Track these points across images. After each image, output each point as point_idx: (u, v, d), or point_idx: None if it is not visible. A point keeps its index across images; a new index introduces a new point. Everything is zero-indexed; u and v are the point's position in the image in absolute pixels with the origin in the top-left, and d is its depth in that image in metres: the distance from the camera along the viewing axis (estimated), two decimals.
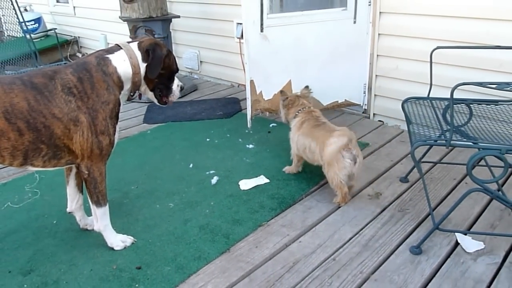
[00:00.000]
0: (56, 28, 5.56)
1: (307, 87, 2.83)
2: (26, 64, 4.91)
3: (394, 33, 3.29)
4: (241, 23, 3.99)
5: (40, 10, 6.65)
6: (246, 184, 2.64)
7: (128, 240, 2.14)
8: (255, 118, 3.40)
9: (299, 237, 2.16)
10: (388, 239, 2.11)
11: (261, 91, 3.23)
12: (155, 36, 4.16)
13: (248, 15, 3.00)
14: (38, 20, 6.32)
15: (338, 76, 3.48)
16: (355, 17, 3.36)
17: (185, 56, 5.11)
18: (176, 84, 2.17)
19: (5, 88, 1.73)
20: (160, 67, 2.01)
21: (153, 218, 2.35)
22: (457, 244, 2.06)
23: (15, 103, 1.73)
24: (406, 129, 2.32)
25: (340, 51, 3.42)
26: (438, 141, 1.98)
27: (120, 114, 1.99)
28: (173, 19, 4.40)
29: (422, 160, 2.57)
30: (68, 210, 2.24)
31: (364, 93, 3.62)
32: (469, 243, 2.05)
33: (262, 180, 2.69)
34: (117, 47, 1.98)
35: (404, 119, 2.29)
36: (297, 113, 2.66)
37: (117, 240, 2.11)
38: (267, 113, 3.45)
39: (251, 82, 3.16)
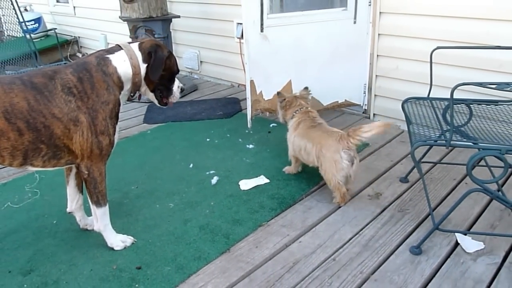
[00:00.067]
0: (56, 28, 5.56)
1: (306, 88, 2.82)
2: (26, 64, 4.91)
3: (394, 33, 3.29)
4: (241, 23, 3.99)
5: (40, 10, 6.65)
6: (246, 184, 2.64)
7: (128, 240, 2.14)
8: (255, 118, 3.40)
9: (299, 237, 2.16)
10: (388, 239, 2.11)
11: (261, 91, 3.23)
12: (155, 36, 4.16)
13: (248, 15, 3.00)
14: (38, 20, 6.32)
15: (338, 76, 3.48)
16: (355, 17, 3.36)
17: (185, 56, 5.11)
18: (176, 86, 2.17)
19: (5, 88, 1.73)
20: (162, 69, 2.02)
21: (153, 218, 2.35)
22: (457, 244, 2.06)
23: (15, 103, 1.73)
24: (406, 129, 2.32)
25: (340, 51, 3.42)
26: (438, 141, 1.98)
27: (120, 114, 1.99)
28: (173, 19, 4.40)
29: (422, 160, 2.57)
30: (68, 210, 2.24)
31: (364, 93, 3.62)
32: (469, 243, 2.05)
33: (262, 180, 2.69)
34: (118, 48, 1.98)
35: (404, 119, 2.29)
36: (294, 114, 2.66)
37: (117, 240, 2.11)
38: (267, 113, 3.46)
39: (251, 82, 3.16)
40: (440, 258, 1.97)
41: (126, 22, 4.28)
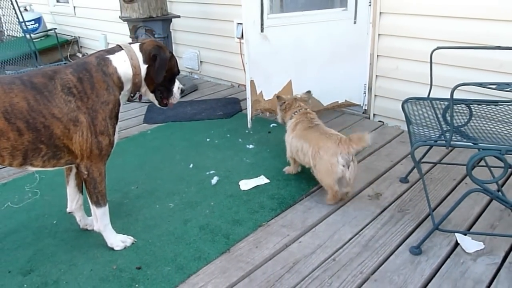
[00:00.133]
0: (56, 28, 5.56)
1: (309, 92, 2.82)
2: (26, 64, 4.91)
3: (394, 34, 3.29)
4: (241, 23, 4.00)
5: (40, 10, 6.65)
6: (246, 184, 2.64)
7: (128, 240, 2.14)
8: (255, 118, 3.40)
9: (299, 238, 2.16)
10: (388, 240, 2.11)
11: (261, 91, 3.23)
12: (155, 36, 4.16)
13: (248, 15, 3.00)
14: (38, 20, 6.32)
15: (338, 76, 3.48)
16: (355, 18, 3.36)
17: (185, 56, 5.11)
18: (177, 87, 2.17)
19: (5, 88, 1.73)
20: (165, 71, 2.02)
21: (153, 218, 2.35)
22: (457, 244, 2.06)
23: (15, 103, 1.73)
24: (406, 129, 2.32)
25: (340, 51, 3.42)
26: (438, 142, 1.98)
27: (120, 114, 1.99)
28: (173, 19, 4.40)
29: (422, 160, 2.57)
30: (68, 210, 2.24)
31: (364, 93, 3.62)
32: (469, 244, 2.05)
33: (262, 180, 2.69)
34: (118, 48, 1.98)
35: (404, 119, 2.29)
36: (292, 115, 2.66)
37: (117, 240, 2.11)
38: (267, 113, 3.46)
39: (251, 82, 3.16)
40: (440, 258, 1.97)
41: (126, 22, 4.29)
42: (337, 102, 3.59)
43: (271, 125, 3.53)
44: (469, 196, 1.99)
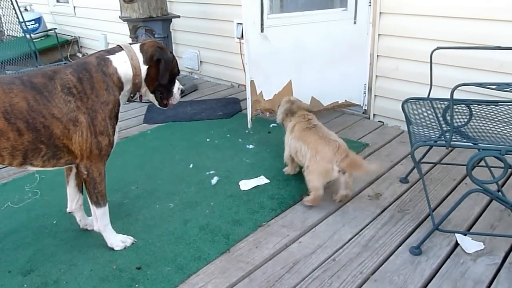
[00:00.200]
0: (56, 28, 5.56)
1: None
2: (26, 64, 4.91)
3: (394, 34, 3.29)
4: (241, 23, 4.00)
5: (40, 10, 6.65)
6: (246, 185, 2.64)
7: (128, 240, 2.14)
8: (255, 118, 3.40)
9: (299, 238, 2.16)
10: (388, 240, 2.11)
11: (261, 92, 3.23)
12: (155, 36, 4.16)
13: (248, 15, 3.00)
14: (38, 20, 6.32)
15: (338, 77, 3.48)
16: (355, 18, 3.36)
17: (185, 56, 5.11)
18: (177, 87, 2.17)
19: (5, 88, 1.73)
20: (169, 72, 2.03)
21: (153, 218, 2.35)
22: (457, 244, 2.06)
23: (15, 103, 1.73)
24: (406, 129, 2.32)
25: (340, 51, 3.42)
26: (438, 142, 1.98)
27: (120, 114, 1.99)
28: (173, 19, 4.40)
29: (422, 160, 2.57)
30: (68, 210, 2.24)
31: (364, 93, 3.62)
32: (469, 244, 2.05)
33: (262, 180, 2.69)
34: (119, 48, 1.98)
35: (404, 119, 2.29)
36: (291, 118, 2.66)
37: (117, 240, 2.11)
38: (267, 113, 3.46)
39: (251, 82, 3.16)
40: (440, 259, 1.97)
41: (126, 22, 4.28)
42: (337, 102, 3.59)
43: (271, 125, 3.53)
44: (469, 197, 1.99)
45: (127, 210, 2.44)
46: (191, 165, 2.93)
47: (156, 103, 2.17)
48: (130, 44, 2.03)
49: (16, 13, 4.88)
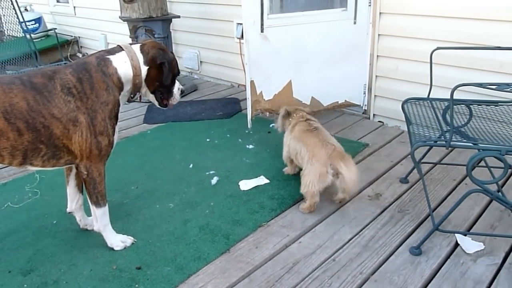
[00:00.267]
0: (56, 28, 5.57)
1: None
2: (26, 64, 4.91)
3: (394, 34, 3.29)
4: (241, 23, 3.99)
5: (40, 10, 6.65)
6: (246, 185, 2.64)
7: (128, 240, 2.14)
8: (255, 118, 3.40)
9: (299, 238, 2.16)
10: (388, 240, 2.11)
11: (261, 92, 3.23)
12: (155, 36, 4.16)
13: (248, 15, 3.00)
14: (38, 20, 6.32)
15: (338, 77, 3.48)
16: (355, 18, 3.36)
17: (185, 56, 5.11)
18: (177, 87, 2.17)
19: (5, 88, 1.73)
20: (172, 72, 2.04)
21: (153, 218, 2.35)
22: (457, 245, 2.06)
23: (15, 103, 1.73)
24: (406, 129, 2.32)
25: (340, 51, 3.42)
26: (438, 142, 1.98)
27: (120, 114, 2.00)
28: (173, 19, 4.40)
29: (422, 160, 2.57)
30: (68, 210, 2.24)
31: (364, 93, 3.62)
32: (469, 244, 2.05)
33: (262, 180, 2.69)
34: (119, 48, 1.98)
35: (404, 119, 2.29)
36: (290, 119, 2.66)
37: (117, 240, 2.11)
38: (267, 113, 3.46)
39: (251, 82, 3.16)
40: (440, 259, 1.97)
41: (126, 22, 4.28)
42: (337, 102, 3.59)
43: (271, 125, 3.53)
44: (469, 197, 1.99)
45: (127, 210, 2.44)
46: (191, 165, 2.93)
47: (156, 103, 2.17)
48: (130, 44, 2.03)
49: (16, 13, 4.88)
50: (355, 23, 3.37)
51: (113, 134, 1.95)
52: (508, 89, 1.76)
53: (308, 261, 1.99)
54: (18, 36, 5.03)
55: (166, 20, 4.28)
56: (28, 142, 1.77)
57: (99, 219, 2.06)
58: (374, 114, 3.64)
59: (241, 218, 2.32)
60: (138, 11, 4.08)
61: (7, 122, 1.72)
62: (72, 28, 6.59)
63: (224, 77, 4.83)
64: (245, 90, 3.26)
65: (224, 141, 3.31)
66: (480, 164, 2.48)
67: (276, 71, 3.25)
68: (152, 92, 2.11)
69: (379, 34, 3.37)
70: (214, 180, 2.70)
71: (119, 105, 1.96)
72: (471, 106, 2.26)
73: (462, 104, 2.27)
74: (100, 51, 1.97)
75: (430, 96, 2.38)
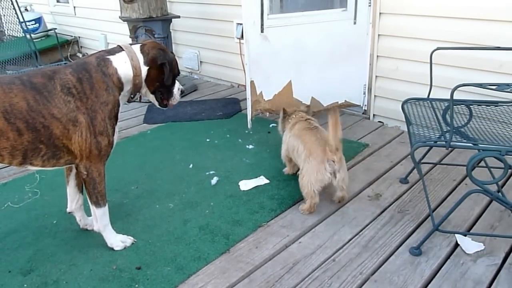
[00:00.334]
0: (56, 28, 5.57)
1: (308, 106, 2.81)
2: (26, 64, 4.91)
3: (394, 34, 3.29)
4: (241, 24, 3.99)
5: (40, 10, 6.65)
6: (246, 185, 2.64)
7: (128, 240, 2.14)
8: (255, 118, 3.40)
9: (299, 238, 2.16)
10: (388, 240, 2.11)
11: (261, 92, 3.23)
12: (155, 36, 4.16)
13: (248, 16, 3.00)
14: (38, 20, 6.32)
15: (338, 77, 3.48)
16: (355, 18, 3.36)
17: (185, 56, 5.11)
18: (177, 88, 2.17)
19: (4, 88, 1.74)
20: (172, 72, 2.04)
21: (153, 218, 2.35)
22: (457, 245, 2.06)
23: (15, 103, 1.73)
24: (406, 130, 2.32)
25: (340, 51, 3.42)
26: (438, 142, 1.98)
27: (120, 114, 2.00)
28: (173, 19, 4.41)
29: (422, 161, 2.57)
30: (68, 210, 2.24)
31: (364, 94, 3.62)
32: (469, 244, 2.05)
33: (262, 180, 2.69)
34: (119, 48, 1.98)
35: (404, 120, 2.29)
36: (290, 120, 2.66)
37: (117, 240, 2.11)
38: (267, 113, 3.46)
39: (251, 82, 3.16)
40: (440, 259, 1.97)
41: (126, 22, 4.29)
42: (337, 102, 3.59)
43: (271, 125, 3.53)
44: (469, 197, 1.99)
45: (127, 210, 2.44)
46: (191, 165, 2.93)
47: (156, 103, 2.17)
48: (131, 44, 2.03)
49: (16, 13, 4.88)
50: (355, 23, 3.37)
51: (113, 134, 1.95)
52: (508, 89, 1.76)
53: (308, 261, 1.99)
54: (18, 36, 5.03)
55: (166, 20, 4.28)
56: (28, 142, 1.78)
57: (99, 219, 2.06)
58: (374, 114, 3.64)
59: (241, 218, 2.32)
60: (138, 11, 4.08)
61: (7, 122, 1.72)
62: (72, 28, 6.59)
63: (224, 77, 4.83)
64: (245, 90, 3.26)
65: (224, 141, 3.31)
66: (480, 165, 2.48)
67: (276, 71, 3.25)
68: (152, 92, 2.11)
69: (379, 34, 3.37)
70: (214, 180, 2.70)
71: (119, 105, 1.96)
72: (471, 106, 2.26)
73: (462, 104, 2.27)
74: (100, 51, 1.97)
75: (430, 96, 2.38)
